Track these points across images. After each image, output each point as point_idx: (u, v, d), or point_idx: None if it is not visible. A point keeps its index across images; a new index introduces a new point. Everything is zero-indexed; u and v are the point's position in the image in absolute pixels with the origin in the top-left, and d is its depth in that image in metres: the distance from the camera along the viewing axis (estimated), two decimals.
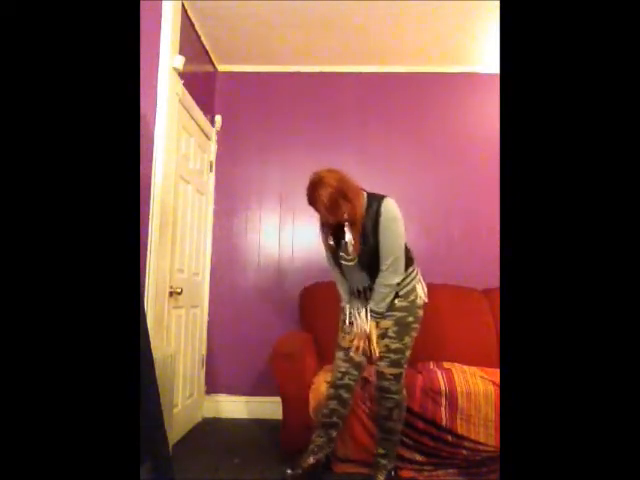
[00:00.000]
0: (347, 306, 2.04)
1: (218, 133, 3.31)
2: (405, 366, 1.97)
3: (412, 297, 1.97)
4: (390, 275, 1.91)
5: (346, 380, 1.97)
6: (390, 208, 1.88)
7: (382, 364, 1.94)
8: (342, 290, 2.09)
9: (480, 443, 2.13)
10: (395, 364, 1.93)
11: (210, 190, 3.24)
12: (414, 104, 3.32)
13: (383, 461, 2.01)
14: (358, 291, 2.02)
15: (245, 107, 3.34)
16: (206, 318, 3.16)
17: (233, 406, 3.11)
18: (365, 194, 1.93)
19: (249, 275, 3.22)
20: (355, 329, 1.98)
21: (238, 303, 3.19)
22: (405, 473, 2.14)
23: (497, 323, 2.76)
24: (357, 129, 3.30)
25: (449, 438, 2.15)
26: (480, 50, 3.09)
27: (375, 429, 2.08)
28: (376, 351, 1.93)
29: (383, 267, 1.91)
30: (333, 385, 2.00)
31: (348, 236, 1.88)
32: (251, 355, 3.12)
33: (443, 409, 2.16)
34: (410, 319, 1.96)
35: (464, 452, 2.15)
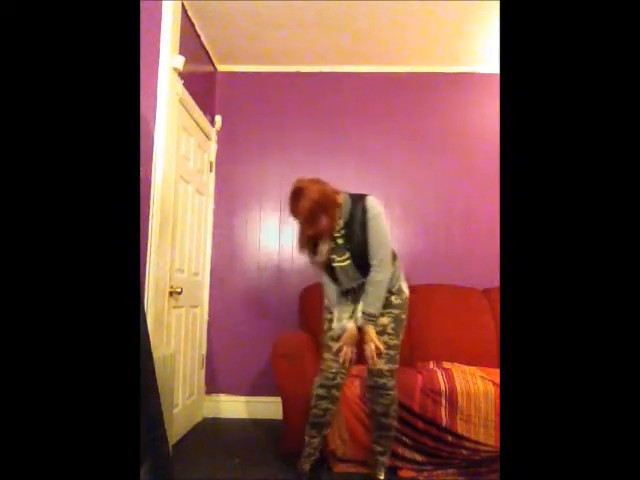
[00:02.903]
0: (335, 310, 2.06)
1: (218, 133, 3.31)
2: (398, 362, 2.00)
3: (404, 295, 2.04)
4: (382, 270, 1.95)
5: (338, 379, 2.01)
6: (374, 205, 1.95)
7: (379, 361, 1.95)
8: (331, 293, 2.09)
9: (480, 443, 2.13)
10: (392, 360, 1.97)
11: (210, 190, 3.25)
12: (414, 104, 3.32)
13: (382, 458, 2.03)
14: (348, 290, 2.04)
15: (245, 107, 3.34)
16: (206, 318, 3.16)
17: (233, 406, 3.11)
18: (347, 196, 1.98)
19: (249, 275, 3.22)
20: (343, 333, 2.00)
21: (238, 303, 3.19)
22: (405, 473, 2.14)
23: (497, 323, 2.76)
24: (357, 129, 3.30)
25: (449, 438, 2.14)
26: (480, 50, 3.09)
27: (372, 428, 2.08)
28: (374, 356, 1.94)
29: (374, 261, 1.94)
30: (325, 385, 2.02)
31: (323, 246, 1.96)
32: (251, 355, 3.12)
33: (443, 409, 2.16)
34: (403, 316, 2.03)
35: (464, 452, 2.15)
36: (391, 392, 1.97)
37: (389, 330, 1.98)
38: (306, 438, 2.05)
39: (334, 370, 2.00)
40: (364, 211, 1.93)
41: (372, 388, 2.00)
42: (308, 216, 1.85)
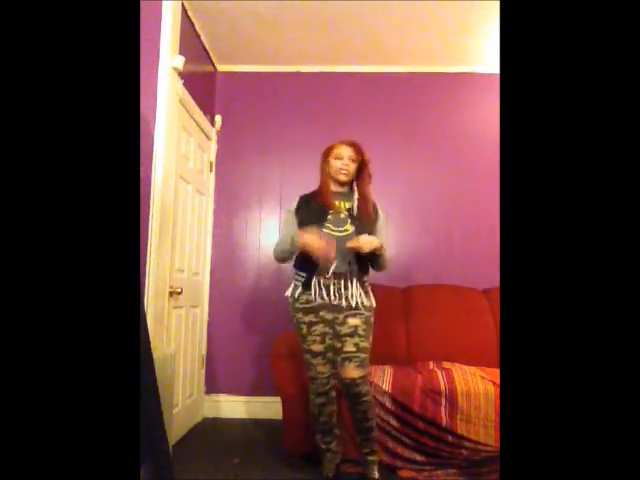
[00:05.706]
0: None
1: (218, 133, 3.31)
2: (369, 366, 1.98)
3: (372, 299, 2.03)
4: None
5: (331, 382, 2.01)
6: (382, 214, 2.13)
7: (351, 365, 1.90)
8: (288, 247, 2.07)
9: (480, 443, 2.13)
10: (363, 365, 1.92)
11: (210, 190, 3.24)
12: (414, 104, 3.32)
13: (371, 457, 2.02)
14: (333, 274, 1.93)
15: (245, 107, 3.34)
16: (206, 318, 3.16)
17: (233, 406, 3.11)
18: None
19: (249, 275, 3.22)
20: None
21: (238, 303, 3.19)
22: (405, 473, 2.14)
23: (497, 323, 2.76)
24: (357, 129, 3.28)
25: (449, 438, 2.14)
26: (480, 50, 3.09)
27: (355, 432, 2.04)
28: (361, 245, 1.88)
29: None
30: (322, 393, 1.99)
31: (355, 199, 2.03)
32: (251, 355, 3.12)
33: (443, 409, 2.16)
34: (372, 319, 2.00)
35: (464, 452, 2.14)
36: (367, 397, 1.93)
37: (360, 332, 1.93)
38: (323, 446, 2.05)
39: (327, 374, 1.98)
40: (376, 212, 2.08)
41: (347, 397, 1.96)
42: (356, 154, 2.03)
